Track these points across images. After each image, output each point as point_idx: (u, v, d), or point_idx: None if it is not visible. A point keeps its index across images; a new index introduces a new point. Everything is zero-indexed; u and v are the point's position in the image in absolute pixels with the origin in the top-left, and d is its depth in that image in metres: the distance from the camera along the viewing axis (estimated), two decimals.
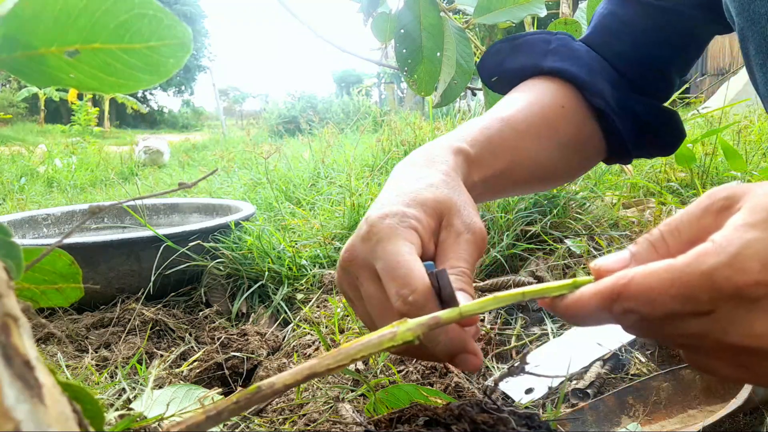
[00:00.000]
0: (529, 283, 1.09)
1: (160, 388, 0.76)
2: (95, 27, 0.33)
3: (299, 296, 1.17)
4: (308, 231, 1.52)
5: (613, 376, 0.80)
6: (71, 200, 3.20)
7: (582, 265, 1.14)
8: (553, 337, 0.92)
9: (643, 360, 0.82)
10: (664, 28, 0.71)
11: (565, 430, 0.67)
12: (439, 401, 0.57)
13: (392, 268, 0.45)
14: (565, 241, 1.22)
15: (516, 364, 0.84)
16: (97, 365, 0.92)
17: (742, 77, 4.92)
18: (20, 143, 7.33)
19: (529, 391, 0.78)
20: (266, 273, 1.22)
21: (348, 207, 1.51)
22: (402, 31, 0.92)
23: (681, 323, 0.35)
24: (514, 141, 0.64)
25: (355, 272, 0.49)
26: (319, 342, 0.95)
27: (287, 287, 1.19)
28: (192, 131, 18.74)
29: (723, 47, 9.86)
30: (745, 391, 0.66)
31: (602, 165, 1.77)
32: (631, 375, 0.79)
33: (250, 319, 1.12)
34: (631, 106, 0.72)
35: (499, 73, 0.76)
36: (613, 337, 0.85)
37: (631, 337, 0.84)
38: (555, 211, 1.32)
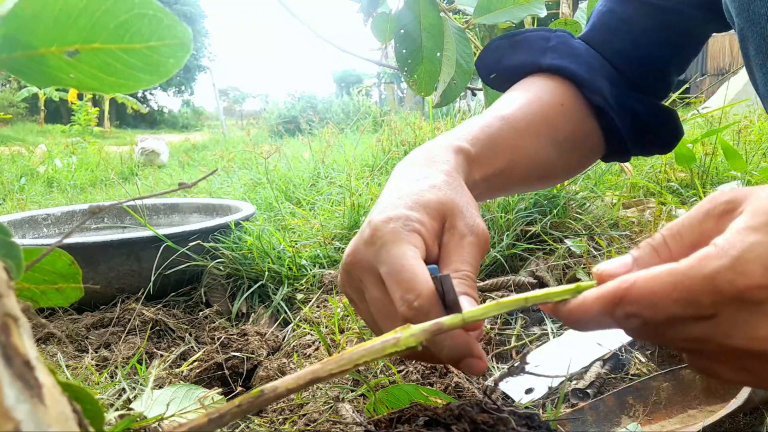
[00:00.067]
0: (529, 283, 1.09)
1: (160, 388, 0.76)
2: (95, 27, 0.33)
3: (299, 296, 1.17)
4: (308, 231, 1.52)
5: (613, 376, 0.80)
6: (71, 200, 3.20)
7: (582, 265, 1.14)
8: (553, 337, 0.92)
9: (643, 360, 0.82)
10: (664, 27, 0.71)
11: (565, 430, 0.67)
12: (439, 401, 0.57)
13: (396, 273, 0.44)
14: (565, 241, 1.22)
15: (516, 364, 0.84)
16: (97, 365, 0.92)
17: (742, 77, 4.92)
18: (20, 143, 7.33)
19: (529, 391, 0.78)
20: (266, 273, 1.22)
21: (348, 207, 1.51)
22: (402, 31, 0.92)
23: (684, 327, 0.35)
24: (514, 139, 0.64)
25: (358, 276, 0.49)
26: (319, 342, 0.95)
27: (287, 287, 1.19)
28: (192, 131, 18.75)
29: (723, 47, 9.86)
30: (745, 391, 0.66)
31: (602, 165, 1.77)
32: (631, 375, 0.79)
33: (250, 319, 1.12)
34: (630, 104, 0.72)
35: (498, 70, 0.76)
36: (613, 337, 0.85)
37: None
38: (555, 211, 1.32)
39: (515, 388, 0.78)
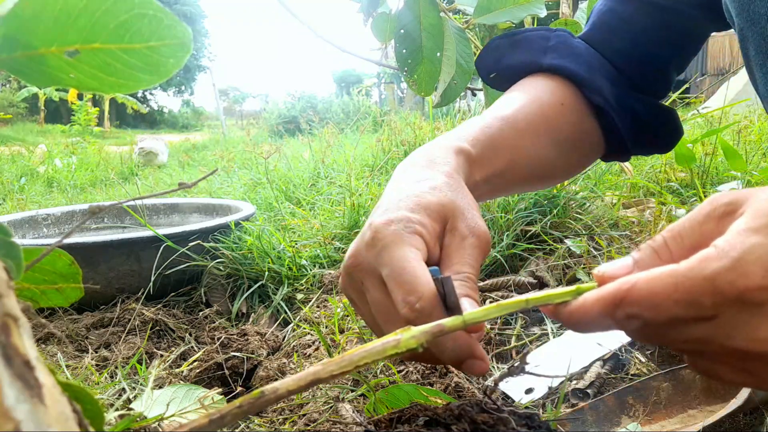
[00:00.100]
0: (529, 283, 1.09)
1: (160, 388, 0.76)
2: (95, 27, 0.33)
3: (299, 296, 1.17)
4: (308, 231, 1.52)
5: (613, 376, 0.80)
6: (71, 200, 3.20)
7: (582, 265, 1.14)
8: (553, 337, 0.92)
9: (643, 360, 0.82)
10: (664, 26, 0.71)
11: (565, 430, 0.67)
12: (439, 401, 0.57)
13: (398, 275, 0.45)
14: (565, 241, 1.22)
15: (516, 364, 0.84)
16: (97, 365, 0.92)
17: (742, 77, 4.92)
18: (20, 143, 7.33)
19: (529, 391, 0.78)
20: (266, 273, 1.22)
21: (348, 207, 1.51)
22: (402, 31, 0.92)
23: (684, 328, 0.35)
24: (515, 139, 0.64)
25: (360, 278, 0.49)
26: (319, 342, 0.95)
27: (287, 287, 1.19)
28: (192, 131, 18.75)
29: (723, 47, 9.86)
30: (745, 391, 0.66)
31: (602, 165, 1.77)
32: (631, 375, 0.79)
33: (250, 319, 1.12)
34: (630, 104, 0.72)
35: (498, 69, 0.76)
36: (613, 337, 0.86)
37: None
38: (555, 211, 1.32)
39: (515, 388, 0.78)
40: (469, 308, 0.43)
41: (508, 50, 0.75)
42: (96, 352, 0.97)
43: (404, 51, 0.92)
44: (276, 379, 0.82)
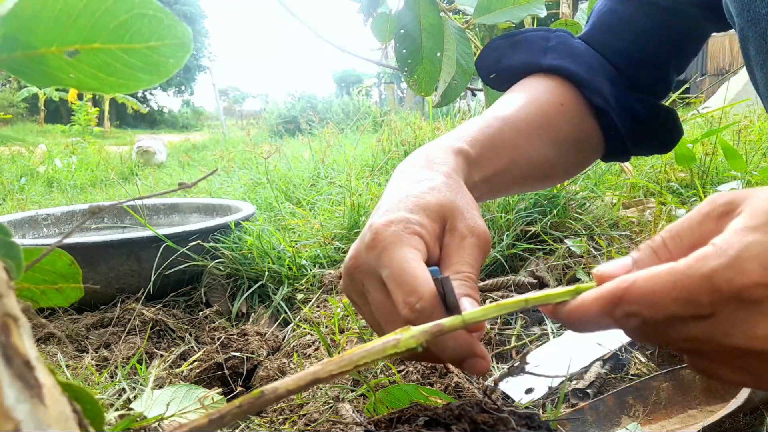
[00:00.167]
0: (529, 283, 1.09)
1: (160, 388, 0.76)
2: (95, 27, 0.33)
3: (299, 296, 1.17)
4: (308, 231, 1.52)
5: (613, 376, 0.80)
6: (71, 200, 3.20)
7: (582, 265, 1.14)
8: (553, 337, 0.92)
9: (643, 360, 0.82)
10: (664, 26, 0.71)
11: (565, 430, 0.67)
12: (439, 401, 0.57)
13: (398, 276, 0.45)
14: (565, 241, 1.22)
15: (516, 364, 0.84)
16: (97, 365, 0.92)
17: (742, 77, 4.92)
18: (20, 143, 7.33)
19: (529, 391, 0.78)
20: (266, 273, 1.22)
21: (348, 207, 1.51)
22: (402, 31, 0.92)
23: (683, 327, 0.35)
24: (514, 140, 0.64)
25: (360, 279, 0.49)
26: (319, 342, 0.95)
27: (287, 287, 1.19)
28: (192, 131, 18.75)
29: (723, 47, 9.86)
30: (745, 391, 0.66)
31: (602, 165, 1.77)
32: (631, 375, 0.79)
33: (250, 319, 1.12)
34: (630, 104, 0.72)
35: (498, 70, 0.76)
36: (613, 337, 0.86)
37: None
38: (555, 211, 1.32)
39: (515, 388, 0.79)
40: (469, 308, 0.43)
41: (508, 51, 0.75)
42: (96, 352, 0.97)
43: (404, 51, 0.92)
44: (276, 379, 0.82)
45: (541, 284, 1.10)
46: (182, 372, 0.87)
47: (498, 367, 0.85)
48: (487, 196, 0.65)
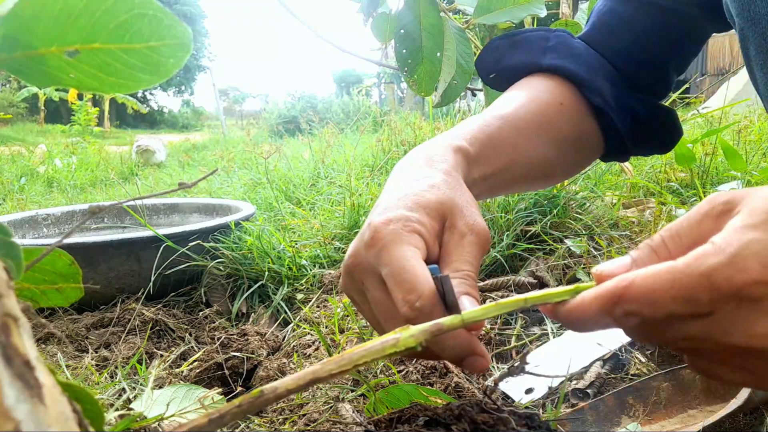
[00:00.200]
0: (529, 283, 1.09)
1: (160, 388, 0.76)
2: (95, 27, 0.33)
3: (299, 296, 1.17)
4: (308, 231, 1.52)
5: (613, 376, 0.80)
6: (71, 200, 3.20)
7: (582, 265, 1.14)
8: (553, 337, 0.92)
9: (643, 360, 0.82)
10: (664, 26, 0.71)
11: (565, 430, 0.67)
12: (439, 401, 0.57)
13: (398, 274, 0.45)
14: (565, 241, 1.22)
15: (516, 364, 0.84)
16: (97, 365, 0.92)
17: (742, 77, 4.92)
18: (20, 143, 7.33)
19: (529, 391, 0.78)
20: (266, 273, 1.22)
21: (348, 207, 1.51)
22: (402, 31, 0.92)
23: (682, 325, 0.35)
24: (514, 139, 0.64)
25: (360, 278, 0.49)
26: (319, 342, 0.95)
27: (287, 287, 1.19)
28: (192, 131, 18.75)
29: (723, 47, 9.86)
30: (745, 391, 0.66)
31: (602, 165, 1.77)
32: (631, 375, 0.79)
33: (250, 319, 1.12)
34: (630, 104, 0.72)
35: (498, 70, 0.76)
36: (613, 337, 0.86)
37: None
38: (555, 211, 1.32)
39: (515, 388, 0.78)
40: (469, 306, 0.43)
41: (508, 51, 0.75)
42: (96, 352, 0.97)
43: (404, 51, 0.92)
44: (276, 379, 0.82)
45: (541, 284, 1.10)
46: (182, 372, 0.87)
47: (498, 367, 0.85)
48: (487, 194, 0.65)
